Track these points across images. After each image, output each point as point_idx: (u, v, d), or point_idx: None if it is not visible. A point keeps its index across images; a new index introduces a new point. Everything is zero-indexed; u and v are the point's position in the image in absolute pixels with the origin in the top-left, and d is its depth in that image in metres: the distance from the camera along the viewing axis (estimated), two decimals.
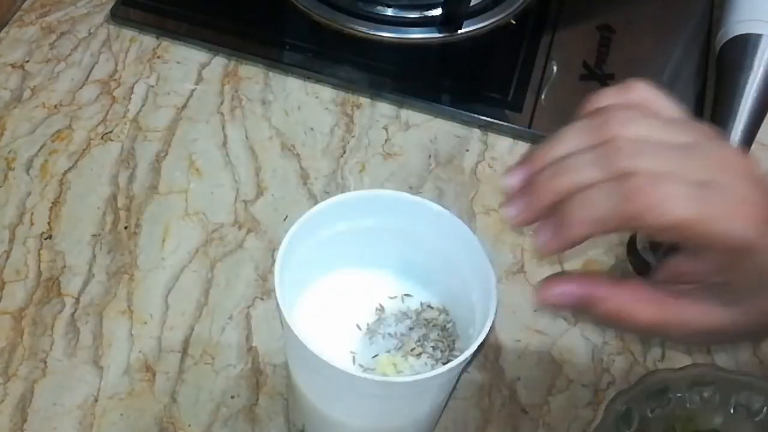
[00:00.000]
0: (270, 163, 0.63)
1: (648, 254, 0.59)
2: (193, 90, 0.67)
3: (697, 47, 0.73)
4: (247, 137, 0.65)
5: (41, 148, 0.63)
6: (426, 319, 0.46)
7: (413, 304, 0.46)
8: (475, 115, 0.66)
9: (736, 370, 0.49)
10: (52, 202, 0.60)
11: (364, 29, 0.70)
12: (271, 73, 0.69)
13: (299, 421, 0.48)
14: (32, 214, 0.59)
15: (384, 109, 0.67)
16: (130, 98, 0.66)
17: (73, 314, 0.55)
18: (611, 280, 0.38)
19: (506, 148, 0.66)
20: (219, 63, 0.69)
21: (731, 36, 0.66)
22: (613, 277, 0.40)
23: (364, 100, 0.68)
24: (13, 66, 0.68)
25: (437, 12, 0.70)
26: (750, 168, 0.35)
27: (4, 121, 0.64)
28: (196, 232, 0.59)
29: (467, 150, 0.65)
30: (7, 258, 0.57)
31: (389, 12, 0.70)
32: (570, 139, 0.37)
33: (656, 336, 0.46)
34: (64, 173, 0.62)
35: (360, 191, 0.44)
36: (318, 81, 0.68)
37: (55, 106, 0.65)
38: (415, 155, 0.65)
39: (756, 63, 0.63)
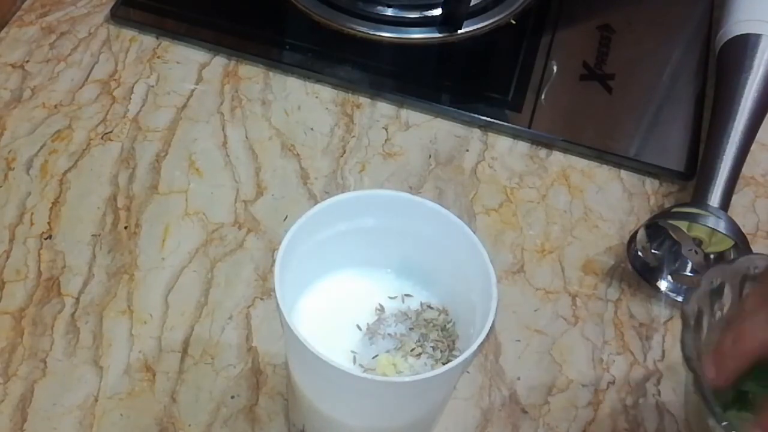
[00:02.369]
0: (270, 163, 0.63)
1: (648, 254, 0.59)
2: (193, 90, 0.67)
3: (697, 47, 0.73)
4: (247, 137, 0.65)
5: (41, 148, 0.63)
6: (426, 320, 0.46)
7: (413, 304, 0.46)
8: (475, 115, 0.66)
9: None
10: (52, 202, 0.60)
11: (364, 29, 0.70)
12: (271, 73, 0.69)
13: (299, 421, 0.48)
14: (32, 214, 0.59)
15: (384, 109, 0.67)
16: (130, 98, 0.66)
17: (73, 314, 0.55)
18: None
19: (506, 148, 0.66)
20: (219, 63, 0.69)
21: (731, 36, 0.66)
22: None
23: (364, 100, 0.68)
24: (13, 66, 0.68)
25: (437, 12, 0.70)
26: None
27: (4, 121, 0.64)
28: (196, 232, 0.59)
29: (467, 150, 0.65)
30: (7, 258, 0.57)
31: (389, 12, 0.71)
32: None
33: None
34: (64, 173, 0.62)
35: (360, 191, 0.44)
36: (318, 81, 0.68)
37: (55, 106, 0.65)
38: (415, 155, 0.65)
39: (756, 63, 0.63)
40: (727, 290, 0.47)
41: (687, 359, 0.44)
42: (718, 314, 0.47)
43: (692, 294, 0.46)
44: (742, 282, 0.47)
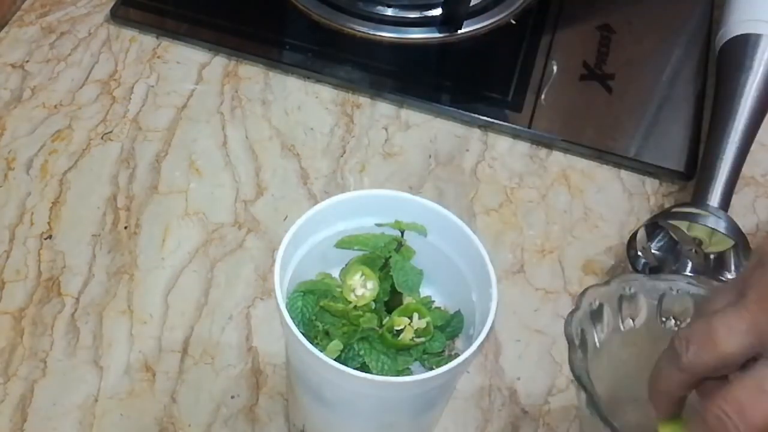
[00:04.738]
0: (270, 163, 0.63)
1: (648, 254, 0.59)
2: (193, 90, 0.67)
3: (697, 47, 0.73)
4: (247, 137, 0.65)
5: (41, 148, 0.63)
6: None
7: None
8: (475, 115, 0.66)
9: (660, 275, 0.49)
10: (52, 202, 0.60)
11: (364, 29, 0.70)
12: (271, 73, 0.69)
13: (299, 421, 0.48)
14: (32, 214, 0.59)
15: (384, 109, 0.67)
16: (130, 98, 0.66)
17: (73, 314, 0.55)
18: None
19: (506, 148, 0.66)
20: (219, 63, 0.69)
21: (731, 36, 0.66)
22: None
23: (364, 100, 0.68)
24: (13, 66, 0.68)
25: (437, 12, 0.70)
26: None
27: (4, 121, 0.64)
28: (196, 232, 0.59)
29: (467, 150, 0.65)
30: (7, 258, 0.57)
31: (389, 12, 0.71)
32: None
33: None
34: (64, 173, 0.62)
35: (360, 191, 0.44)
36: (318, 81, 0.68)
37: (55, 106, 0.65)
38: (415, 155, 0.65)
39: (756, 63, 0.63)
40: (606, 311, 0.47)
41: (577, 378, 0.43)
42: (601, 335, 0.47)
43: (571, 316, 0.46)
44: (619, 302, 0.47)
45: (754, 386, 0.35)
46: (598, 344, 0.47)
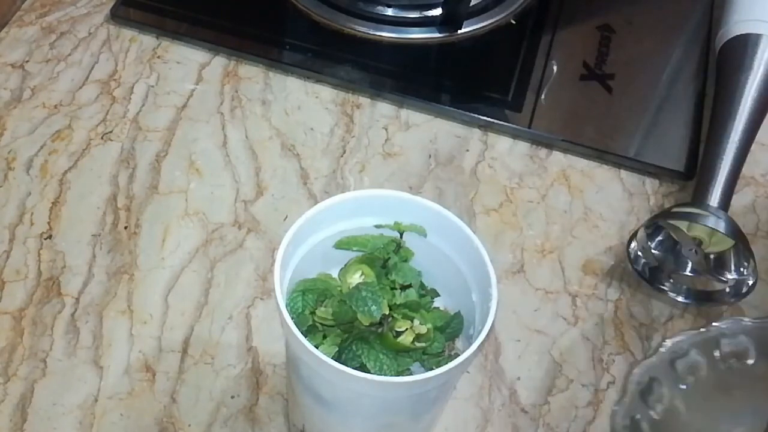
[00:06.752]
0: (270, 163, 0.63)
1: (648, 254, 0.59)
2: (193, 90, 0.67)
3: (697, 47, 0.73)
4: (247, 137, 0.65)
5: (41, 148, 0.63)
6: None
7: None
8: (475, 115, 0.66)
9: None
10: (52, 202, 0.60)
11: (364, 29, 0.70)
12: (271, 73, 0.69)
13: (299, 421, 0.48)
14: (32, 214, 0.59)
15: (384, 109, 0.67)
16: (130, 98, 0.66)
17: (73, 314, 0.55)
18: None
19: (506, 148, 0.66)
20: (219, 63, 0.69)
21: (731, 36, 0.66)
22: None
23: (364, 100, 0.68)
24: (13, 66, 0.68)
25: (437, 12, 0.70)
26: None
27: (4, 121, 0.64)
28: (196, 232, 0.59)
29: (467, 150, 0.65)
30: (7, 258, 0.57)
31: (389, 12, 0.71)
32: None
33: None
34: (64, 173, 0.62)
35: (360, 191, 0.44)
36: (318, 81, 0.68)
37: (55, 106, 0.65)
38: (415, 155, 0.65)
39: (756, 63, 0.63)
40: (658, 383, 0.46)
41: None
42: (659, 408, 0.46)
43: (618, 406, 0.45)
44: (672, 366, 0.47)
45: None
46: (657, 416, 0.45)
